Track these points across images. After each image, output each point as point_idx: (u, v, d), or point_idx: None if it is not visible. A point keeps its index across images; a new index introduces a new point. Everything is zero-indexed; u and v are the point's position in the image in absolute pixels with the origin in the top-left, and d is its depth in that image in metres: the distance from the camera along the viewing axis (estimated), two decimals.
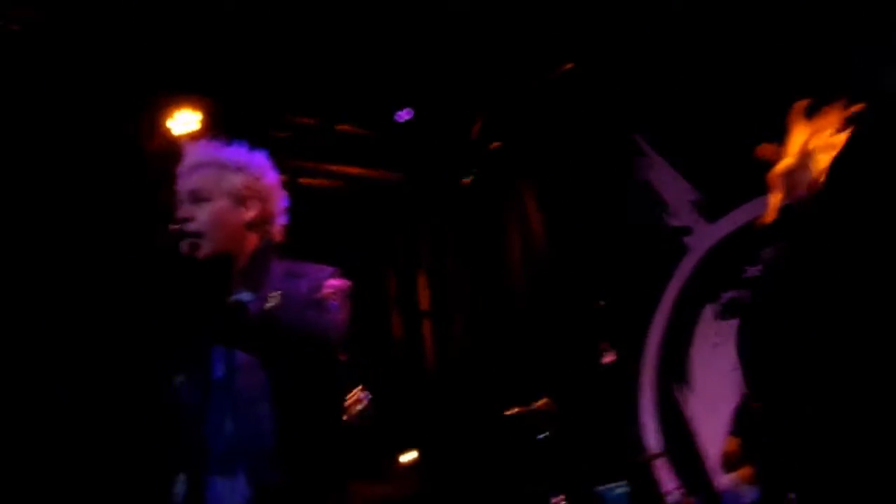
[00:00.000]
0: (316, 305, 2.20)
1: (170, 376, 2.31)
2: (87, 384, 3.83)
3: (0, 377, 3.82)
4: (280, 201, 2.41)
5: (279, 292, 2.19)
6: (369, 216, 5.97)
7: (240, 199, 2.31)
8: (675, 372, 5.12)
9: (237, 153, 2.36)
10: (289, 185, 2.53)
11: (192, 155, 2.34)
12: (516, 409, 4.36)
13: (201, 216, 2.25)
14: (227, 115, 4.71)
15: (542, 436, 4.32)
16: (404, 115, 5.42)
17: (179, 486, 2.19)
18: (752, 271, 4.92)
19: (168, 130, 4.64)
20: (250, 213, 2.32)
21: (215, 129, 2.36)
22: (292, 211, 2.47)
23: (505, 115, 5.65)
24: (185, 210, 2.26)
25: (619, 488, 4.37)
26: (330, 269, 2.31)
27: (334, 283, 2.27)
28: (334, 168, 5.63)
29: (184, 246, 2.19)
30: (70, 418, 3.95)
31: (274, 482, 2.14)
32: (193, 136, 4.49)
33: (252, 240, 2.33)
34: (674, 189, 5.23)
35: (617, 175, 5.40)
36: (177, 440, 2.25)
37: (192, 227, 2.22)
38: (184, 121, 4.65)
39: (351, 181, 5.71)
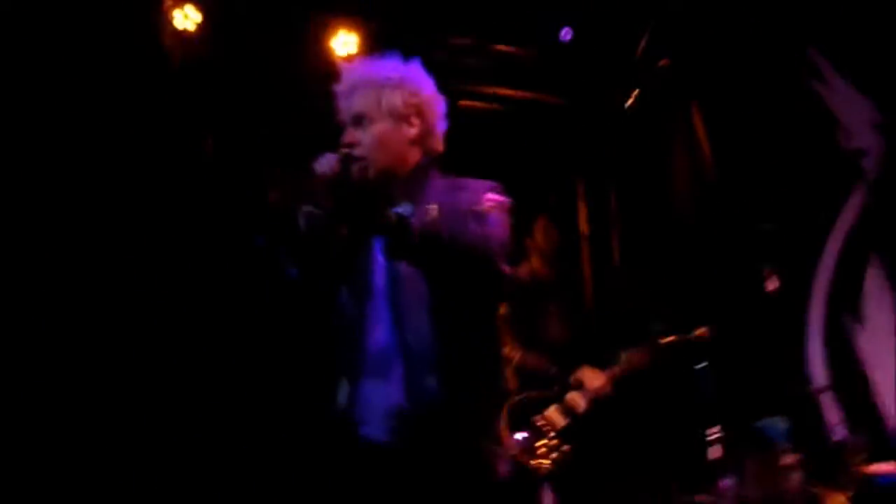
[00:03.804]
0: (477, 218, 2.29)
1: (335, 288, 2.46)
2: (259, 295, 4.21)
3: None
4: (439, 111, 2.48)
5: (437, 204, 2.29)
6: (529, 140, 6.07)
7: (401, 117, 2.40)
8: (846, 302, 5.04)
9: (393, 69, 2.43)
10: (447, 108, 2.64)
11: (350, 75, 2.44)
12: (673, 337, 4.44)
13: (365, 139, 2.36)
14: (383, 36, 4.90)
15: (699, 366, 4.37)
16: (567, 34, 5.41)
17: (342, 391, 2.37)
18: None
19: (331, 51, 4.87)
20: (413, 130, 2.42)
21: (373, 50, 2.47)
22: (452, 133, 2.59)
23: (673, 29, 5.58)
24: (349, 134, 2.38)
25: (780, 423, 4.38)
26: (490, 184, 2.39)
27: (494, 197, 2.36)
28: (493, 90, 5.73)
29: (353, 170, 2.27)
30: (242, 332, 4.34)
31: (432, 389, 2.25)
32: (352, 58, 4.71)
33: (415, 154, 2.44)
34: (851, 108, 5.07)
35: (789, 93, 5.28)
36: (340, 348, 2.42)
37: (357, 151, 2.34)
38: (343, 42, 4.87)
39: (510, 104, 5.81)
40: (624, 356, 4.43)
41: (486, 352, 2.37)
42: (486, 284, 2.27)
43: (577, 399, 4.21)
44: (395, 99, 2.39)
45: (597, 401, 4.20)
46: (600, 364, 4.41)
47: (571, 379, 4.29)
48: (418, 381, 2.26)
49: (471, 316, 2.32)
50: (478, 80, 5.57)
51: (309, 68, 4.87)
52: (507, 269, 2.25)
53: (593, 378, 4.31)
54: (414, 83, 2.44)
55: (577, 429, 4.05)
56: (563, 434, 4.01)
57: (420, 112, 2.43)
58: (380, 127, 2.38)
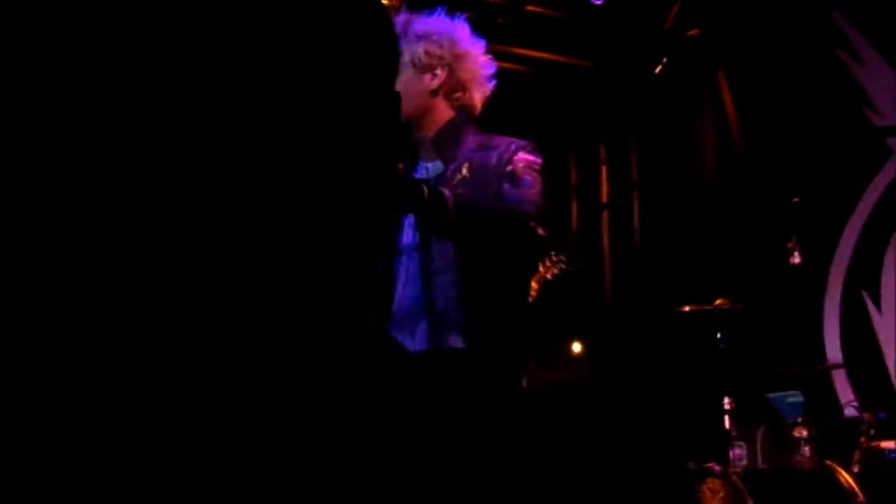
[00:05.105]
0: (511, 179, 2.29)
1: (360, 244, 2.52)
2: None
3: None
4: (477, 69, 2.45)
5: (468, 163, 2.32)
6: (555, 103, 6.04)
7: (423, 67, 2.39)
8: (865, 280, 5.04)
9: (425, 22, 2.42)
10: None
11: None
12: (692, 307, 4.45)
13: None
14: None
15: (718, 335, 4.39)
16: None
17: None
18: None
19: None
20: (435, 81, 2.40)
21: (403, 7, 2.45)
22: None
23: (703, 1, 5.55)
24: None
25: (793, 397, 4.40)
26: (522, 143, 2.38)
27: (526, 157, 2.35)
28: (521, 52, 5.69)
29: None
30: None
31: (457, 348, 2.27)
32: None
33: (442, 108, 2.42)
34: (883, 86, 5.04)
35: (819, 66, 5.25)
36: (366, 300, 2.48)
37: None
38: None
39: (538, 66, 5.78)
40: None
41: (514, 313, 2.38)
42: (520, 247, 2.29)
43: None
44: (418, 48, 2.38)
45: None
46: None
47: None
48: (443, 339, 2.29)
49: (500, 277, 2.33)
50: (507, 41, 5.52)
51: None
52: (541, 231, 2.26)
53: None
54: (444, 36, 2.42)
55: None
56: None
57: (446, 64, 2.41)
58: (402, 76, 2.33)
